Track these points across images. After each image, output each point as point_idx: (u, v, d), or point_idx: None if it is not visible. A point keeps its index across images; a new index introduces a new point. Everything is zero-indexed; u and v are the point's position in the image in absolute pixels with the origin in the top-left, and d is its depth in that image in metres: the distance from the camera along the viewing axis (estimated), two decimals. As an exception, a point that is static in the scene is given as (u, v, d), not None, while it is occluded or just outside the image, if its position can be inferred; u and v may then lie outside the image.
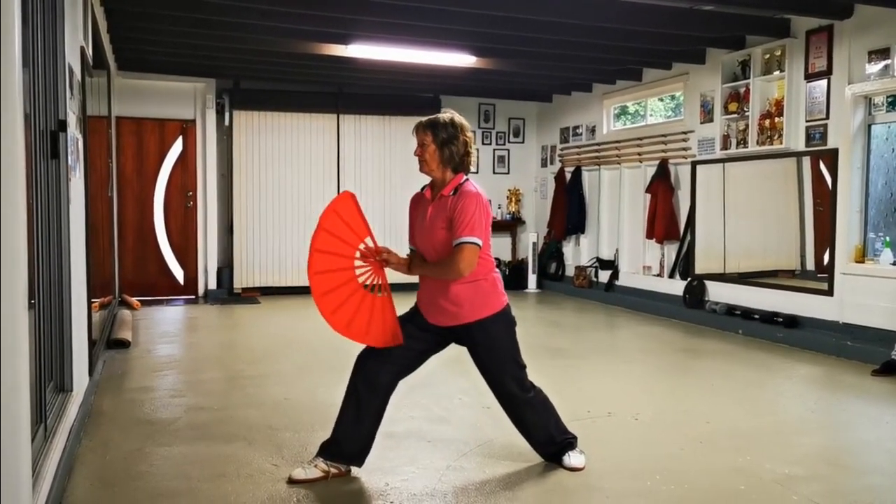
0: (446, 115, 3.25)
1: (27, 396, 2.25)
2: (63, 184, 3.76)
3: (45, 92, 3.42)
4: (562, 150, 10.35)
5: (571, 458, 3.37)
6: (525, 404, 3.34)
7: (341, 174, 9.91)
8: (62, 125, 3.70)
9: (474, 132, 11.55)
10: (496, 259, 11.38)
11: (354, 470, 3.32)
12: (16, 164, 2.15)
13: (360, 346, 3.30)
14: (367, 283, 3.19)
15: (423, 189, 3.37)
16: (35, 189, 3.09)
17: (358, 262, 3.19)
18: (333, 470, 3.22)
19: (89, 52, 5.17)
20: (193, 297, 9.44)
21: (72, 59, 4.10)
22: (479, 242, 3.08)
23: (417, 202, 3.35)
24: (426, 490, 3.13)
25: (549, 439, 3.40)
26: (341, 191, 9.74)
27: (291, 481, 3.17)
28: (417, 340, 3.26)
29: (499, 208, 10.88)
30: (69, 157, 3.90)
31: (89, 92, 5.18)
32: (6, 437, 2.07)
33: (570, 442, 3.42)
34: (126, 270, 9.10)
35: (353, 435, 3.24)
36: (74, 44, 4.27)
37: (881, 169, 6.08)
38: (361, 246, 3.19)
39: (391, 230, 10.15)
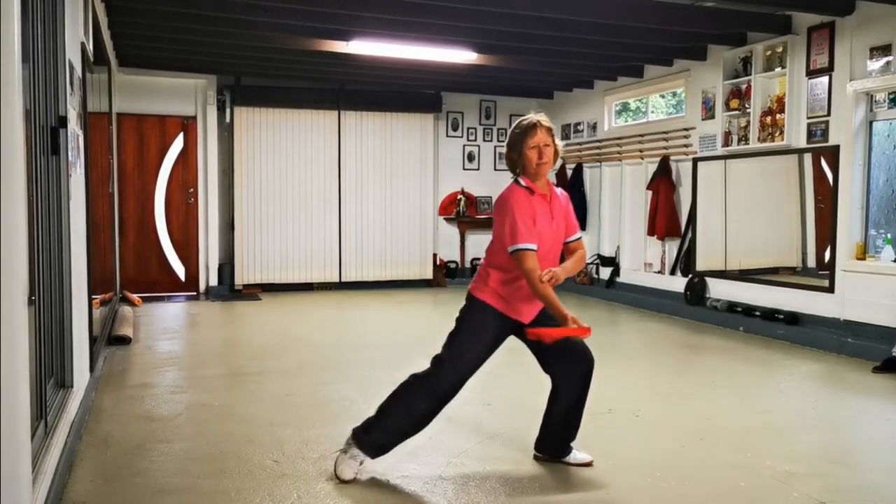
0: (547, 119, 3.31)
1: (27, 392, 2.25)
2: (63, 180, 3.75)
3: (46, 88, 3.41)
4: (563, 146, 10.30)
5: (579, 454, 3.40)
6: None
7: (343, 171, 9.90)
8: (62, 121, 3.70)
9: (475, 129, 11.37)
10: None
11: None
12: (16, 160, 2.14)
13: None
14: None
15: (525, 187, 3.22)
16: (35, 185, 3.09)
17: None
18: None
19: (90, 47, 5.16)
20: (195, 293, 9.44)
21: (72, 54, 4.10)
22: None
23: (537, 202, 3.21)
24: (427, 487, 3.13)
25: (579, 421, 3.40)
26: (346, 194, 9.86)
27: (343, 481, 3.13)
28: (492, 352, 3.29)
29: (500, 205, 10.88)
30: (70, 154, 3.90)
31: (90, 88, 5.18)
32: (6, 433, 2.07)
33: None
34: (127, 267, 9.11)
35: (406, 433, 3.25)
36: (75, 39, 4.26)
37: (882, 166, 6.07)
38: None
39: (392, 226, 10.17)
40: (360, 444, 3.20)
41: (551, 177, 10.87)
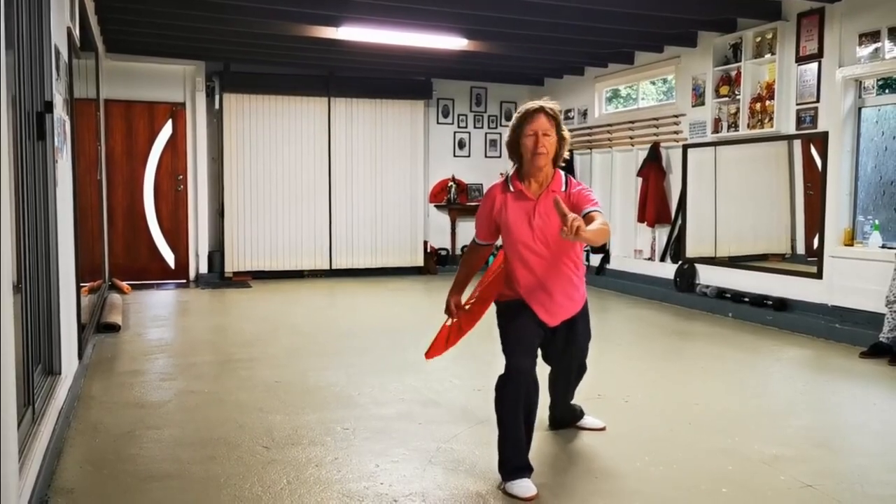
0: (556, 105, 3.09)
1: (13, 379, 2.24)
2: (50, 166, 3.73)
3: (31, 73, 3.38)
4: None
5: (592, 418, 3.77)
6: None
7: (332, 158, 9.87)
8: (48, 106, 3.67)
9: (466, 115, 11.24)
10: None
11: (344, 453, 3.33)
12: (0, 145, 2.13)
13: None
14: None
15: (505, 183, 3.11)
16: (21, 171, 3.06)
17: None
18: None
19: (76, 33, 5.12)
20: (184, 281, 9.41)
21: (58, 40, 4.06)
22: None
23: (511, 198, 3.07)
24: (416, 472, 3.14)
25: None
26: (336, 181, 9.84)
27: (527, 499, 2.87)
28: (539, 333, 3.19)
29: (490, 192, 10.89)
30: (56, 139, 3.87)
31: (77, 74, 5.13)
32: (-7, 420, 2.07)
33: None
34: (116, 254, 9.06)
35: (526, 441, 3.04)
36: (61, 24, 4.22)
37: (871, 152, 6.10)
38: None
39: (382, 213, 10.15)
40: (514, 473, 2.97)
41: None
